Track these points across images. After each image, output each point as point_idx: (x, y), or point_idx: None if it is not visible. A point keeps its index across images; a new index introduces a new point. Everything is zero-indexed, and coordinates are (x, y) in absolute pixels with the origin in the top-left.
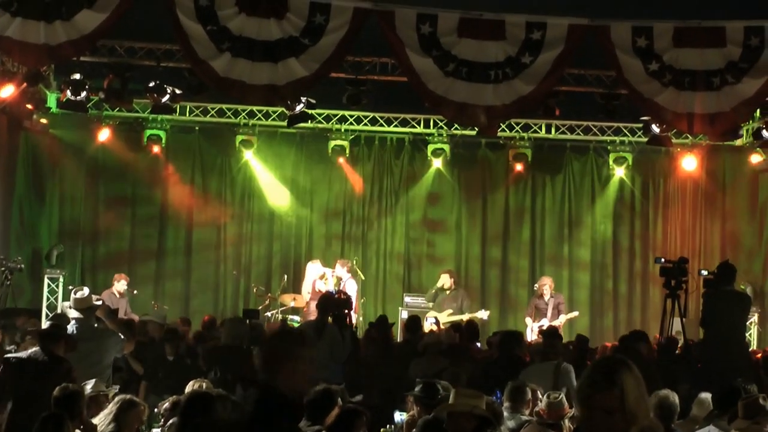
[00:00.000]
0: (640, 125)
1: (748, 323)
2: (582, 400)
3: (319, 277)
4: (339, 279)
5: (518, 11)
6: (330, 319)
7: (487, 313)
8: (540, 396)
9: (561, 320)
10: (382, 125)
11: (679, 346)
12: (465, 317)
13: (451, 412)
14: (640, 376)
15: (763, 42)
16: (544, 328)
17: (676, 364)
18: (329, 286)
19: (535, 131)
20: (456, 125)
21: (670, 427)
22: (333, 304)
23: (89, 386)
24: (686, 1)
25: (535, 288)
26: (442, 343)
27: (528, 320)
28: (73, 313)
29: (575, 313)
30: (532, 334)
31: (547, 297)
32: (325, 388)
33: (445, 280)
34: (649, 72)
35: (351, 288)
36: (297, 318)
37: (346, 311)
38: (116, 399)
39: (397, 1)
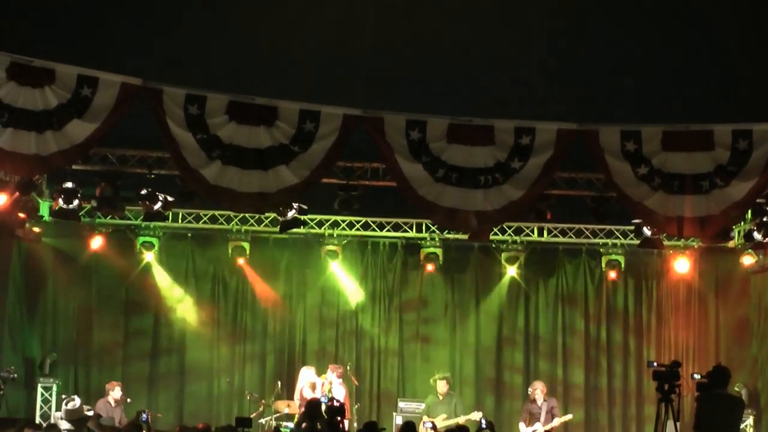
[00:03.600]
0: (632, 228)
1: (742, 426)
2: None
3: (309, 385)
4: (330, 384)
5: (507, 116)
6: (319, 425)
7: (480, 414)
8: None
9: (555, 423)
10: (374, 230)
11: None
12: (460, 420)
13: None
14: None
15: (751, 145)
16: (539, 431)
17: None
18: (317, 394)
19: (527, 234)
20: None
21: None
22: (325, 411)
23: None
24: (674, 104)
25: (529, 393)
26: None
27: (522, 425)
28: (64, 425)
29: (569, 416)
30: None
31: (540, 401)
32: None
33: (440, 386)
34: (638, 176)
35: (339, 393)
36: (290, 425)
37: (339, 418)
38: None
39: (386, 107)
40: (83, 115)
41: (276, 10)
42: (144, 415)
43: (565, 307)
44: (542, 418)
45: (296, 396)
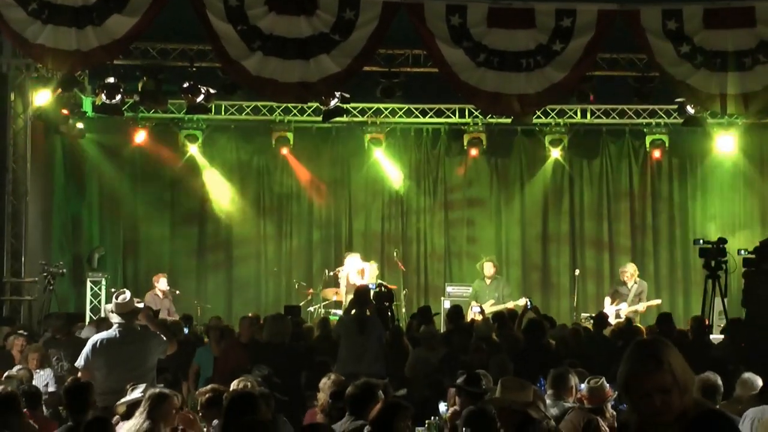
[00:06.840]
0: (675, 107)
1: None
2: (634, 386)
3: (358, 272)
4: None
5: None
6: (368, 311)
7: (526, 300)
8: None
9: (640, 307)
10: (417, 116)
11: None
12: (509, 305)
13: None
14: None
15: None
16: (623, 311)
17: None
18: (365, 280)
19: (570, 117)
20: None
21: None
22: (374, 297)
23: (139, 391)
24: None
25: (619, 274)
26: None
27: (607, 300)
28: (115, 318)
29: (658, 301)
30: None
31: (630, 284)
32: (365, 382)
33: (487, 269)
34: (681, 54)
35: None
36: (339, 312)
37: (387, 304)
38: (147, 395)
39: None
40: (123, 9)
41: None
42: None
43: (609, 188)
44: (629, 299)
45: (342, 283)
